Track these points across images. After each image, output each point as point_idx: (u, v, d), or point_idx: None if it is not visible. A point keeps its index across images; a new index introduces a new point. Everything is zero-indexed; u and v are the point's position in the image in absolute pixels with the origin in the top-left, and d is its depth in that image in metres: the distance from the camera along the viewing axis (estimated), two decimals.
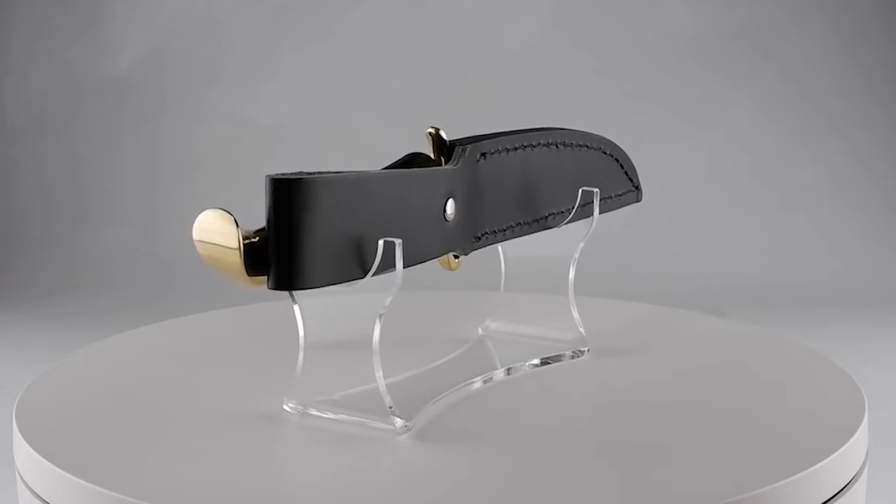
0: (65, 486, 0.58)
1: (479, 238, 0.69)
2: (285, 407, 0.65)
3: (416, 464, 0.60)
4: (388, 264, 0.61)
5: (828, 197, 2.34)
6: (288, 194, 0.57)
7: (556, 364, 0.74)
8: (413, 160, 0.66)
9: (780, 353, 0.79)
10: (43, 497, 0.60)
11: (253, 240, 0.57)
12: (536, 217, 0.72)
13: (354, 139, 2.28)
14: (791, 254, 2.26)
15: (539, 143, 0.71)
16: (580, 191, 0.74)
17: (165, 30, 2.41)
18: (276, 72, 2.39)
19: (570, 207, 0.74)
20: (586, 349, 0.75)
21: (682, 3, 2.40)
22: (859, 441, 0.63)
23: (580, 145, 0.74)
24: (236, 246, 0.56)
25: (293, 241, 0.57)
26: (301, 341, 0.64)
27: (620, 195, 0.78)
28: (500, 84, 2.37)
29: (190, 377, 0.73)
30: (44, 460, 0.60)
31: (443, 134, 0.66)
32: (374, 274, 0.61)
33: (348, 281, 0.60)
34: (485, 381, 0.71)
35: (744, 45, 2.40)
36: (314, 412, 0.64)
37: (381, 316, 0.62)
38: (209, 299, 1.53)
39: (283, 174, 0.58)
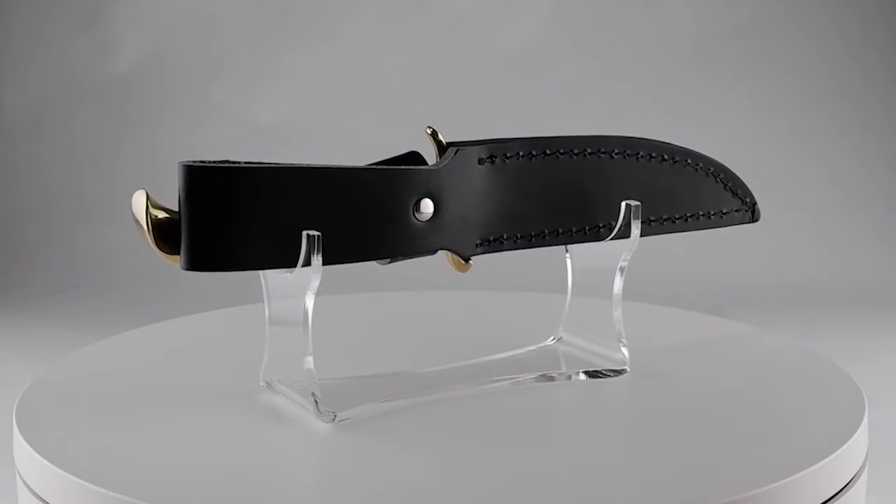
0: (65, 486, 0.58)
1: (491, 242, 0.68)
2: (261, 383, 0.69)
3: (319, 448, 0.62)
4: (326, 257, 0.62)
5: (828, 196, 2.34)
6: (197, 181, 0.60)
7: (583, 379, 0.72)
8: (406, 159, 0.66)
9: (779, 352, 0.79)
10: (43, 497, 0.60)
11: (170, 217, 0.61)
12: (579, 227, 0.70)
13: (354, 139, 2.28)
14: (791, 254, 2.26)
15: (581, 152, 0.69)
16: (622, 204, 0.71)
17: (165, 30, 2.41)
18: (276, 72, 2.39)
19: (615, 222, 0.71)
20: (625, 369, 0.73)
21: (682, 2, 2.40)
22: (859, 441, 0.63)
23: (651, 157, 0.71)
24: (144, 224, 0.61)
25: (201, 225, 0.60)
26: (266, 325, 0.67)
27: (723, 213, 0.75)
28: (500, 84, 2.37)
29: (189, 376, 0.73)
30: (44, 460, 0.60)
31: (439, 134, 0.66)
32: (305, 264, 0.62)
33: (275, 268, 0.63)
34: (501, 385, 0.70)
35: (744, 44, 2.40)
36: (279, 390, 0.68)
37: (309, 298, 0.63)
38: (209, 299, 1.53)
39: (199, 161, 0.61)
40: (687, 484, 0.58)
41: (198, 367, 0.75)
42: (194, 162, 0.61)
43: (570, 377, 0.72)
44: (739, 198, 0.76)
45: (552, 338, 0.77)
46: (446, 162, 0.66)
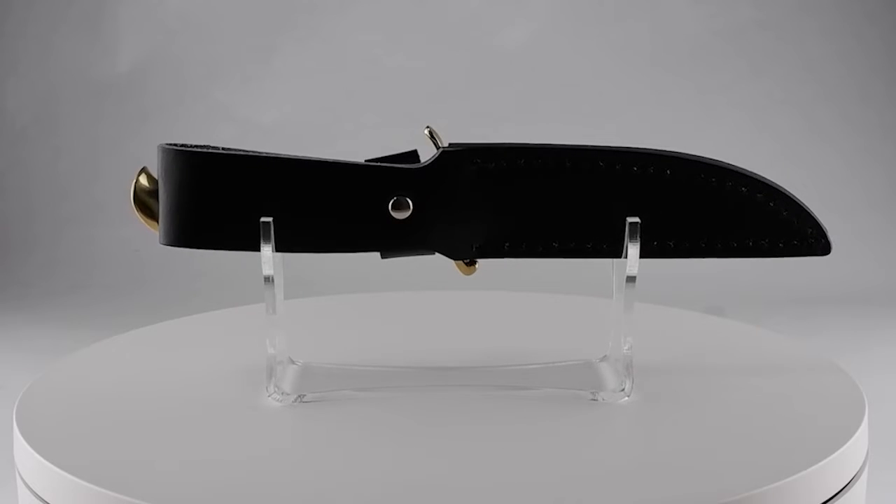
0: (65, 486, 0.58)
1: (491, 248, 0.67)
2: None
3: (263, 431, 0.64)
4: (285, 244, 0.65)
5: (829, 196, 2.34)
6: (169, 162, 0.65)
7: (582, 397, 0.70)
8: (403, 158, 0.67)
9: (779, 352, 0.79)
10: (43, 497, 0.60)
11: (152, 188, 0.67)
12: (596, 242, 0.67)
13: (355, 139, 2.28)
14: None
15: (594, 164, 0.66)
16: (627, 221, 0.66)
17: (165, 30, 2.41)
18: (276, 72, 2.39)
19: (622, 240, 0.67)
20: (625, 396, 0.69)
21: (683, 1, 2.40)
22: (859, 441, 0.64)
23: (687, 175, 0.67)
24: (130, 195, 0.67)
25: (172, 204, 0.65)
26: (274, 301, 0.68)
27: (782, 243, 0.67)
28: (500, 84, 2.37)
29: (190, 377, 0.73)
30: (44, 460, 0.60)
31: (436, 135, 0.66)
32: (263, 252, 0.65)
33: (245, 251, 0.65)
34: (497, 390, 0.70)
35: (744, 45, 2.40)
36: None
37: (267, 281, 0.65)
38: (209, 299, 1.53)
39: (179, 145, 0.65)
40: (685, 484, 0.58)
41: (199, 367, 0.75)
42: (171, 145, 0.65)
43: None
44: (803, 227, 0.68)
45: (602, 356, 0.73)
46: (428, 163, 0.66)
